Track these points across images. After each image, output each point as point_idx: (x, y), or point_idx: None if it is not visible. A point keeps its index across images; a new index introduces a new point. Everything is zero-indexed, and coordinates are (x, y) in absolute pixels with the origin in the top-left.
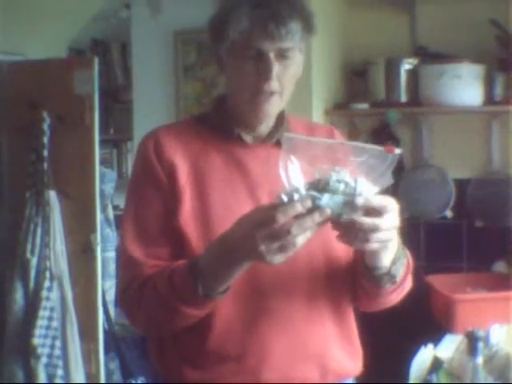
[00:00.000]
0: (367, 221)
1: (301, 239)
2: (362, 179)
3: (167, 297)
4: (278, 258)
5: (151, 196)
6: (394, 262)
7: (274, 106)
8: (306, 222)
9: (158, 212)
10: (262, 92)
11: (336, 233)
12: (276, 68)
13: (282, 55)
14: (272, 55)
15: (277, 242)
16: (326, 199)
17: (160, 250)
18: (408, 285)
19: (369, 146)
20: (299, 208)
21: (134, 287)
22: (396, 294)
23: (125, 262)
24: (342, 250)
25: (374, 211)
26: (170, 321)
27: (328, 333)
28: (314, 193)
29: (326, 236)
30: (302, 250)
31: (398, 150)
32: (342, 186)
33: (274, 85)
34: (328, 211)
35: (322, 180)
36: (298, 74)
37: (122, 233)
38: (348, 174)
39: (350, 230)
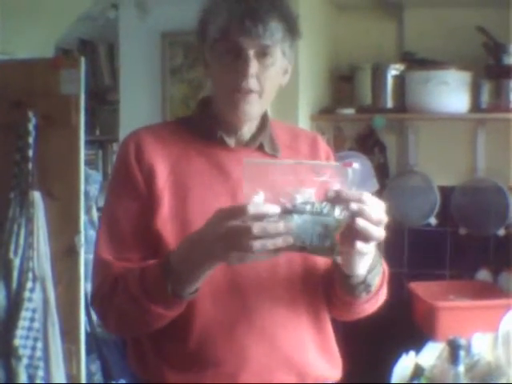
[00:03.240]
0: (353, 205)
1: (258, 244)
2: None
3: (137, 295)
4: (234, 258)
5: (127, 200)
6: (369, 271)
7: (252, 106)
8: (269, 226)
9: (132, 216)
10: (240, 90)
11: None
12: (255, 66)
13: (262, 53)
14: (251, 53)
15: (236, 237)
16: (294, 220)
17: (132, 254)
18: (383, 296)
19: (325, 163)
20: (270, 209)
21: (105, 288)
22: (370, 304)
23: (96, 264)
24: (320, 258)
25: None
26: (140, 321)
27: (306, 339)
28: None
29: None
30: (282, 257)
31: (356, 165)
32: (308, 207)
33: (251, 82)
34: (292, 225)
35: (288, 204)
36: (282, 79)
37: (97, 235)
38: (313, 194)
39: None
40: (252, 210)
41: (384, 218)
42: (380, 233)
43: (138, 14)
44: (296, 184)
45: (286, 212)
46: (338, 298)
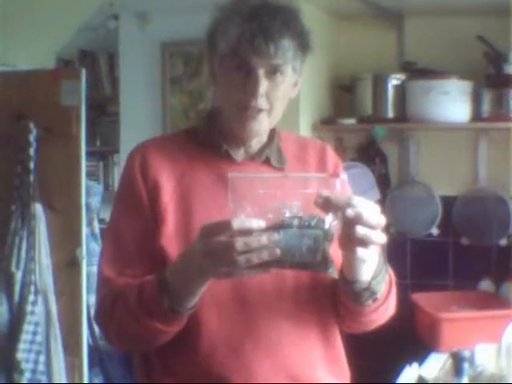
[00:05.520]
0: (349, 211)
1: (242, 258)
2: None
3: (135, 309)
4: (222, 273)
5: (131, 216)
6: (373, 277)
7: (260, 124)
8: (252, 240)
9: (136, 233)
10: (249, 108)
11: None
12: (264, 85)
13: (272, 71)
14: (261, 72)
15: (221, 253)
16: (281, 235)
17: (135, 270)
18: (392, 304)
19: (312, 174)
20: (255, 224)
21: (106, 304)
22: (379, 314)
23: (99, 281)
24: None
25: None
26: (141, 336)
27: (314, 355)
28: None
29: None
30: (288, 271)
31: (343, 176)
32: (295, 221)
33: (260, 102)
34: (276, 237)
35: (276, 219)
36: (292, 94)
37: (101, 250)
38: (300, 207)
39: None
40: (236, 224)
41: (382, 220)
42: (380, 237)
43: (138, 25)
44: (283, 197)
45: (273, 227)
46: (344, 306)
